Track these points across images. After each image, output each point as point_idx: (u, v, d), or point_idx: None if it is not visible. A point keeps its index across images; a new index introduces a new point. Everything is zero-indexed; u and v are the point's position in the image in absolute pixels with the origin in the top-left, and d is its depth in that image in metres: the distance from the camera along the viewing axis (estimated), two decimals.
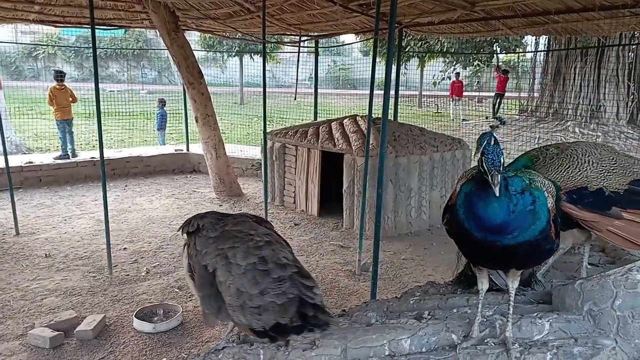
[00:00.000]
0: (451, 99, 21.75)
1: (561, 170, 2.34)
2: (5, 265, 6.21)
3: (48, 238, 7.18)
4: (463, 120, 20.30)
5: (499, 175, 1.81)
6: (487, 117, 19.39)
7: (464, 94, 22.57)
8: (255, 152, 11.97)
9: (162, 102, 14.59)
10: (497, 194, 1.81)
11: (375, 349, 1.85)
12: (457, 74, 22.55)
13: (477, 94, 25.91)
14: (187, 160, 11.88)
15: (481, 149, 2.49)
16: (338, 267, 6.37)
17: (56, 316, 4.86)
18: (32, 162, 10.20)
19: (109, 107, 17.72)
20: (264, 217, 2.65)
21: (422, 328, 1.90)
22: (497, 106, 19.23)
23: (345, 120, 8.73)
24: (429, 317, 2.09)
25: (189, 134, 12.16)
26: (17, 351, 4.45)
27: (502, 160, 1.88)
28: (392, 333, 1.90)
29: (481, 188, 1.87)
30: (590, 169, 2.31)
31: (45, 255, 6.52)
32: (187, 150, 12.06)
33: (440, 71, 23.69)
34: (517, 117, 17.96)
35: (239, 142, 14.55)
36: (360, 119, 8.69)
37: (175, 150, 12.09)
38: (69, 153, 11.01)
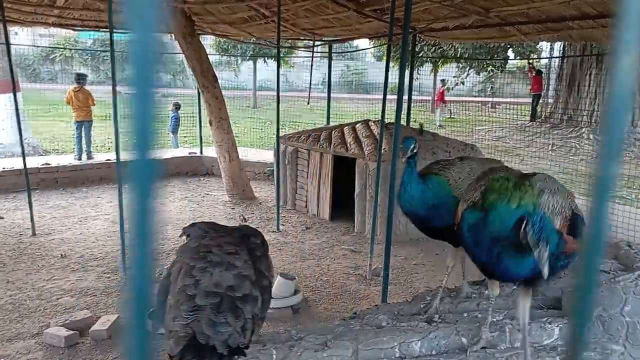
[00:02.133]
0: (437, 106, 21.97)
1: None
2: (22, 265, 6.33)
3: (64, 239, 7.29)
4: (439, 126, 20.33)
5: (547, 252, 1.64)
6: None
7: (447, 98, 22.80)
8: (268, 156, 12.03)
9: (177, 106, 14.72)
10: (546, 276, 1.69)
11: (385, 350, 1.88)
12: (442, 81, 22.71)
13: (490, 99, 25.80)
14: (201, 163, 11.98)
15: (408, 153, 2.90)
16: (349, 271, 6.39)
17: (71, 316, 4.95)
18: (48, 164, 10.36)
19: (123, 110, 17.94)
20: (257, 230, 2.70)
21: (432, 331, 1.93)
22: (535, 107, 19.06)
23: (357, 125, 8.76)
24: (440, 320, 2.12)
25: (202, 138, 12.27)
26: (33, 349, 4.53)
27: (550, 227, 1.89)
28: (403, 336, 1.93)
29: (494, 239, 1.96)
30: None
31: (61, 255, 6.64)
32: (201, 153, 12.16)
33: (454, 76, 23.64)
34: (529, 123, 17.86)
35: (251, 146, 14.65)
36: (372, 123, 8.72)
37: (189, 154, 12.21)
38: (85, 155, 11.18)
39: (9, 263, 6.35)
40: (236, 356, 2.06)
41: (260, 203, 9.57)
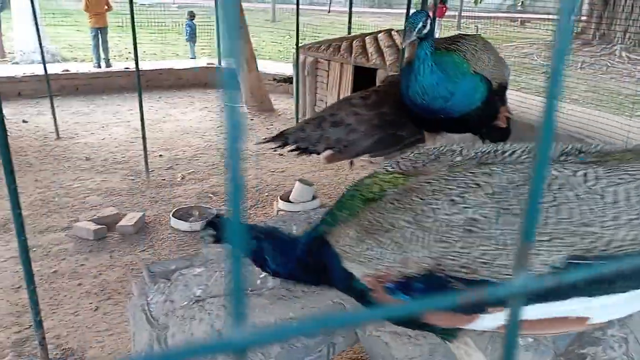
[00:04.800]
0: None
1: None
2: (48, 165, 6.52)
3: (87, 143, 7.44)
4: None
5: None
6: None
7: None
8: (287, 69, 11.83)
9: (191, 15, 14.39)
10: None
11: None
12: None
13: (519, 15, 24.60)
14: (220, 74, 11.84)
15: (414, 34, 2.33)
16: None
17: (99, 212, 5.15)
18: (68, 70, 10.36)
19: (140, 20, 17.54)
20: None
21: None
22: None
23: (379, 35, 8.48)
24: None
25: (221, 48, 12.02)
26: (63, 241, 4.78)
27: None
28: None
29: None
30: None
31: (86, 158, 6.80)
32: (219, 64, 11.98)
33: None
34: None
35: (270, 59, 14.37)
36: (395, 33, 8.43)
37: (208, 64, 12.05)
38: (103, 63, 11.12)
39: (36, 163, 6.54)
40: (300, 152, 3.10)
41: (279, 115, 9.55)
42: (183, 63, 12.43)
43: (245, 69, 9.37)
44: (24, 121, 8.22)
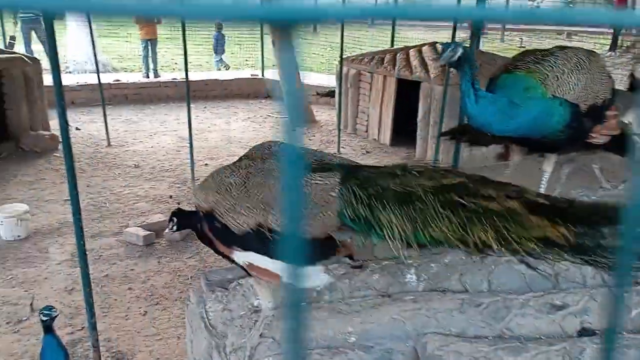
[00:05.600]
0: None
1: None
2: (99, 172, 6.76)
3: (136, 150, 7.67)
4: None
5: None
6: None
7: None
8: (329, 80, 11.92)
9: (219, 26, 14.64)
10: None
11: None
12: None
13: (566, 28, 24.03)
14: (263, 85, 12.04)
15: (445, 58, 2.36)
16: None
17: (148, 218, 5.30)
18: (119, 80, 10.73)
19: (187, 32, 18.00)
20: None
21: None
22: (617, 34, 17.34)
23: (424, 47, 8.46)
24: None
25: (264, 60, 12.25)
26: (114, 246, 4.93)
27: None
28: None
29: None
30: None
31: (135, 165, 7.02)
32: (262, 75, 12.19)
33: (530, 1, 22.08)
34: (608, 53, 16.60)
35: (311, 70, 14.51)
36: (439, 46, 8.38)
37: (251, 76, 12.26)
38: (152, 73, 11.47)
39: (88, 170, 6.79)
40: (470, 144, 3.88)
41: (321, 126, 9.61)
42: (227, 74, 12.70)
43: None
44: (77, 129, 8.56)
